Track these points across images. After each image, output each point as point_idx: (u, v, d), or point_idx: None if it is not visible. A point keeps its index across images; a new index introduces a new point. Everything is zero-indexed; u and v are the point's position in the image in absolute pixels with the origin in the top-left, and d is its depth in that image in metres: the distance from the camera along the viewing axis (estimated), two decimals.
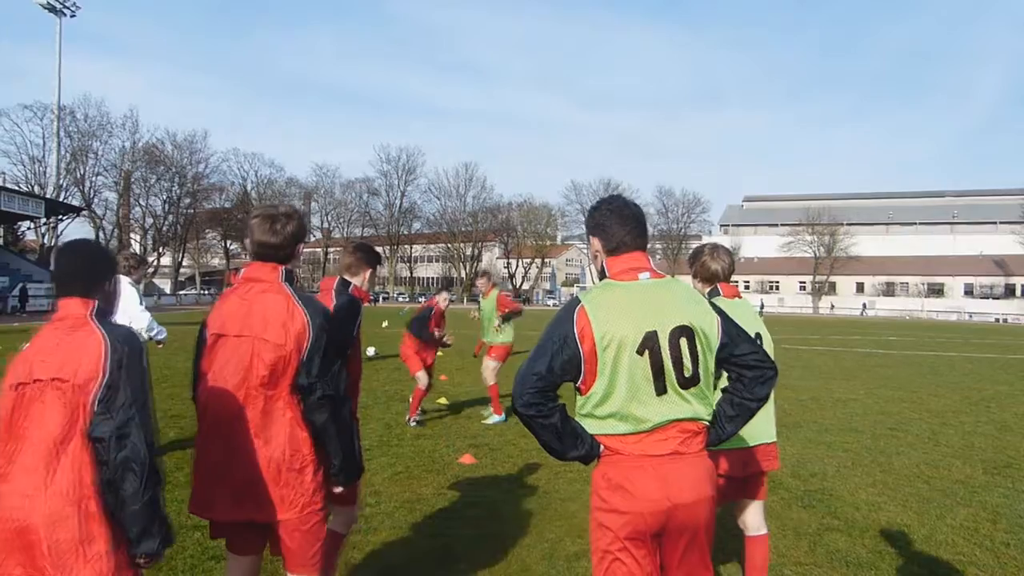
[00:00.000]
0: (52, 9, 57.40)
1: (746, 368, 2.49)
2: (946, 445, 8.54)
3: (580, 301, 2.42)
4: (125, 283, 7.74)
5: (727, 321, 2.50)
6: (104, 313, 2.40)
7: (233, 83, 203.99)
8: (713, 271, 3.69)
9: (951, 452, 8.13)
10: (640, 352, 2.33)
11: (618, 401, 2.35)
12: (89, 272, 2.40)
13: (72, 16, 58.75)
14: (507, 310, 9.63)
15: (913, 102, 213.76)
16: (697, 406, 2.39)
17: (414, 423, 8.91)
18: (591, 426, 2.41)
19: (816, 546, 4.91)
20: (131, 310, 7.50)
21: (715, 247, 3.85)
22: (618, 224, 2.52)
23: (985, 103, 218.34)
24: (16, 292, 42.19)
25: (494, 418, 9.18)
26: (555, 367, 2.36)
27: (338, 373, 2.79)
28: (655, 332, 2.35)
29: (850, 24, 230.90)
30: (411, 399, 9.22)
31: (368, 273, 3.79)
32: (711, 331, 2.43)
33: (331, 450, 2.80)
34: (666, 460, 2.35)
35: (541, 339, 2.43)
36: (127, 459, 2.19)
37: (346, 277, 3.70)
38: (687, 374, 2.37)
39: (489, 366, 9.64)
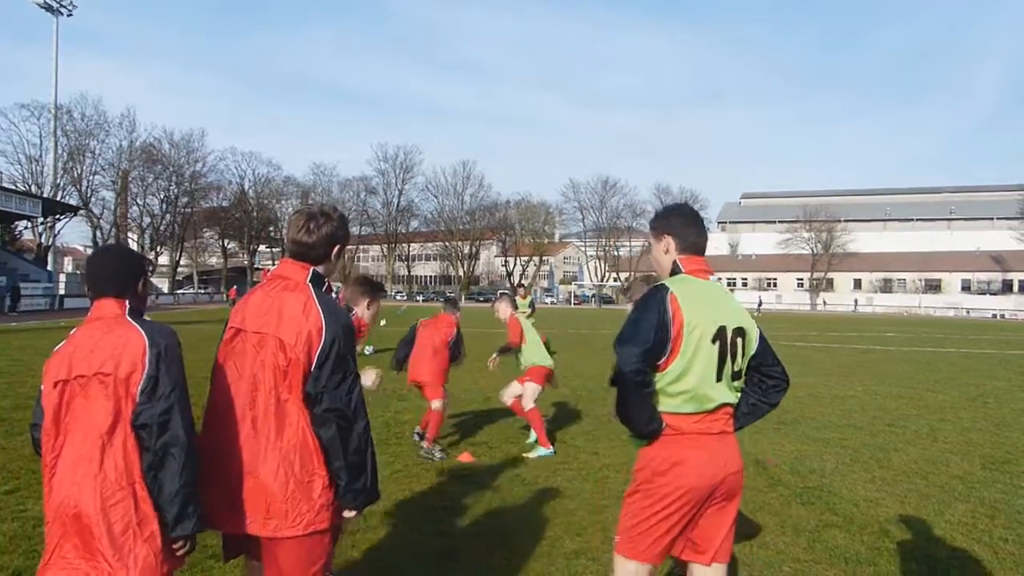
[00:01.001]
0: (49, 8, 57.20)
1: (768, 377, 2.92)
2: (944, 441, 8.54)
3: (669, 288, 2.72)
4: None
5: (763, 336, 2.93)
6: (137, 312, 2.54)
7: (230, 82, 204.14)
8: None
9: (949, 448, 8.14)
10: (713, 341, 2.70)
11: (692, 381, 2.68)
12: (121, 274, 2.56)
13: (69, 15, 58.54)
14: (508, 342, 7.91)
15: (911, 99, 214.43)
16: (735, 395, 2.82)
17: (435, 454, 7.24)
18: (660, 402, 2.71)
19: (815, 542, 4.91)
20: None
21: None
22: (688, 227, 2.92)
23: (983, 100, 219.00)
24: (8, 291, 41.11)
25: (541, 451, 7.39)
26: (653, 342, 2.64)
27: (350, 388, 2.58)
28: (724, 327, 2.73)
29: (848, 22, 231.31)
30: (428, 423, 7.46)
31: (367, 302, 3.99)
32: (754, 338, 2.86)
33: (337, 469, 2.57)
34: (716, 438, 2.74)
35: (635, 318, 2.72)
36: (167, 444, 2.34)
37: (351, 305, 3.83)
38: (736, 368, 2.78)
39: (529, 389, 7.78)
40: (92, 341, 2.42)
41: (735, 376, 2.77)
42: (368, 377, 3.93)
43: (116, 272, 2.55)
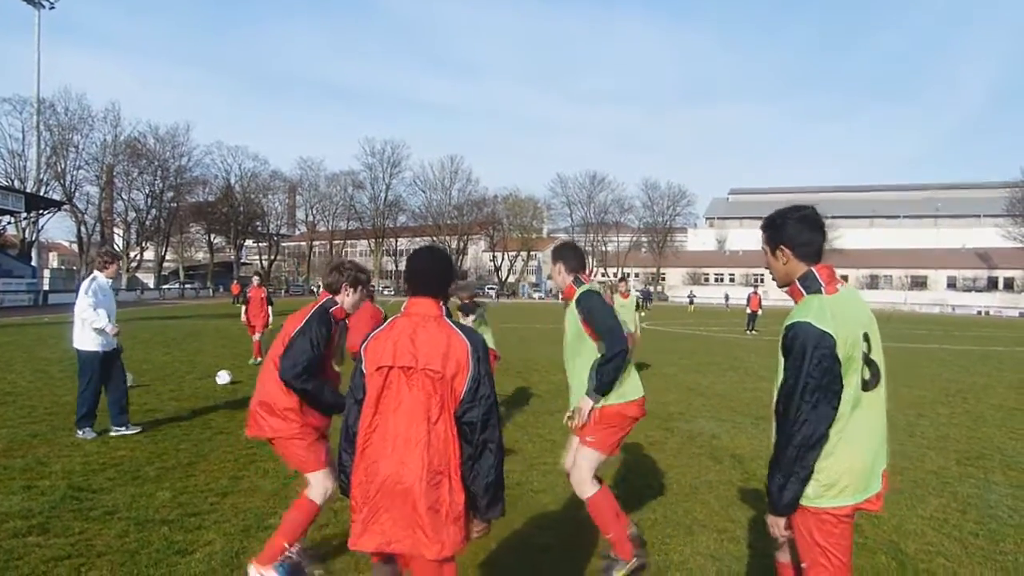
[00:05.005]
0: (31, 1, 56.58)
1: None
2: (920, 436, 8.59)
3: (596, 290, 4.21)
4: (100, 279, 7.68)
5: None
6: (449, 314, 2.86)
7: (216, 77, 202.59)
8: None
9: (925, 443, 8.18)
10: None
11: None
12: (440, 276, 2.85)
13: (51, 8, 57.97)
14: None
15: (899, 97, 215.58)
16: None
17: None
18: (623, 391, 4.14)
19: None
20: (80, 306, 7.47)
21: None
22: (575, 256, 4.40)
23: (970, 99, 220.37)
24: None
25: None
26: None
27: (306, 361, 3.83)
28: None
29: (838, 21, 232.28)
30: None
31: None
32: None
33: (325, 408, 4.00)
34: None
35: (605, 311, 4.08)
36: (486, 440, 2.67)
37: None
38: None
39: None
40: (415, 335, 2.71)
41: None
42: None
43: (436, 274, 2.84)
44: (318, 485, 4.03)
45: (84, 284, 7.65)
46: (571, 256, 4.36)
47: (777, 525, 2.77)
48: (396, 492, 2.61)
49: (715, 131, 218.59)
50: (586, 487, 4.14)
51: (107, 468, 6.27)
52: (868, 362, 2.67)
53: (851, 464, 2.64)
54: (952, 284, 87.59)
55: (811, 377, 2.57)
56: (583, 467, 4.15)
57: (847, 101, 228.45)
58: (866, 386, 2.66)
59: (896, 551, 4.73)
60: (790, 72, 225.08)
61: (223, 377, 11.33)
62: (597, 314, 4.03)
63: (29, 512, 5.07)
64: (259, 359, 14.29)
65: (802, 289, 2.76)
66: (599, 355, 3.99)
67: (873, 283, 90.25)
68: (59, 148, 64.86)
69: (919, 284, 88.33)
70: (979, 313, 75.44)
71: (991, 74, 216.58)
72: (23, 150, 63.61)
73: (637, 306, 13.96)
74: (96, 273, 7.77)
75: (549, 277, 4.67)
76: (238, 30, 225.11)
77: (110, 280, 7.84)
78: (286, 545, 3.98)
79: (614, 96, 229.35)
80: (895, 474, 6.73)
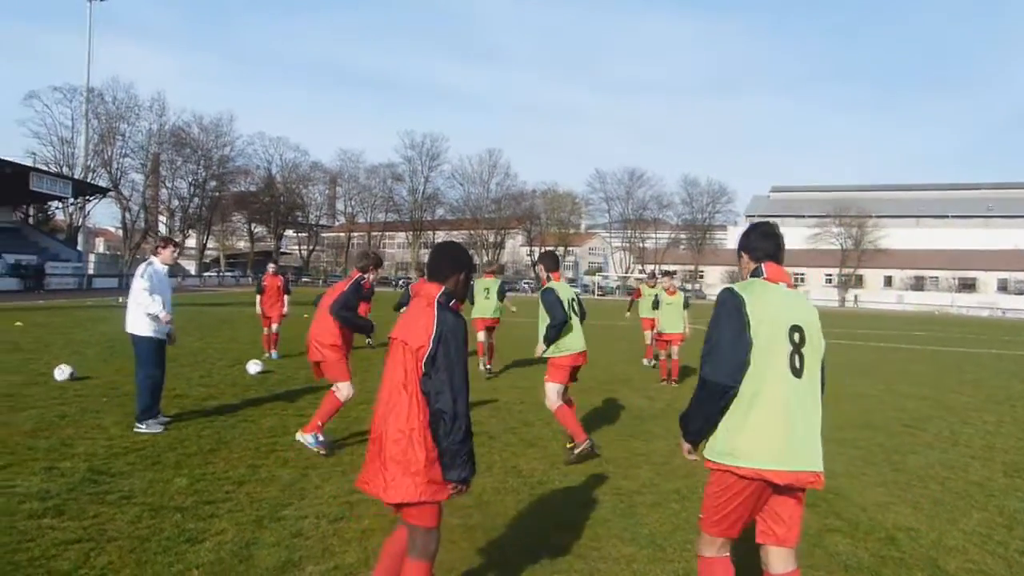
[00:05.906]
0: None
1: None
2: (965, 445, 8.21)
3: (555, 288, 6.87)
4: (156, 263, 7.55)
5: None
6: (450, 298, 3.22)
7: (259, 68, 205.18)
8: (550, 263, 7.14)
9: (970, 452, 7.81)
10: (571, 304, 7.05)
11: (573, 324, 6.94)
12: (445, 267, 3.28)
13: (102, 0, 59.09)
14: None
15: (948, 92, 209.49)
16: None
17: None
18: (564, 343, 6.85)
19: (815, 548, 4.66)
20: (134, 290, 7.34)
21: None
22: (553, 260, 7.02)
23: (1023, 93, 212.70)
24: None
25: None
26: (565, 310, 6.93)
27: (346, 304, 6.65)
28: (572, 298, 7.06)
29: (881, 12, 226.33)
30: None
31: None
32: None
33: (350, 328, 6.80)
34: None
35: (553, 300, 6.69)
36: (440, 410, 2.99)
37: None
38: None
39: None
40: (411, 313, 3.20)
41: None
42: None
43: (442, 265, 3.28)
44: (344, 389, 6.77)
45: (140, 268, 7.46)
46: (548, 261, 7.02)
47: (683, 448, 3.16)
48: (374, 440, 3.13)
49: (756, 126, 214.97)
50: (552, 402, 6.84)
51: (129, 452, 6.27)
52: (799, 353, 2.99)
53: (761, 432, 2.88)
54: (1003, 287, 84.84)
55: (721, 327, 2.95)
56: (549, 392, 6.86)
57: (892, 94, 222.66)
58: (796, 373, 2.98)
59: (935, 568, 4.45)
60: (832, 64, 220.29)
61: (253, 367, 11.31)
62: (545, 302, 6.72)
63: (47, 494, 5.07)
64: (270, 354, 13.57)
65: (748, 277, 3.23)
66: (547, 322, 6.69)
67: (919, 284, 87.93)
68: (107, 136, 66.14)
69: (967, 286, 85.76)
70: None
71: None
72: (72, 137, 65.15)
73: (685, 304, 12.52)
74: (152, 258, 7.62)
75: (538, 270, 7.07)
76: (279, 22, 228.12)
77: (166, 266, 7.63)
78: (320, 424, 6.59)
79: (652, 89, 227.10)
80: (936, 483, 6.43)
